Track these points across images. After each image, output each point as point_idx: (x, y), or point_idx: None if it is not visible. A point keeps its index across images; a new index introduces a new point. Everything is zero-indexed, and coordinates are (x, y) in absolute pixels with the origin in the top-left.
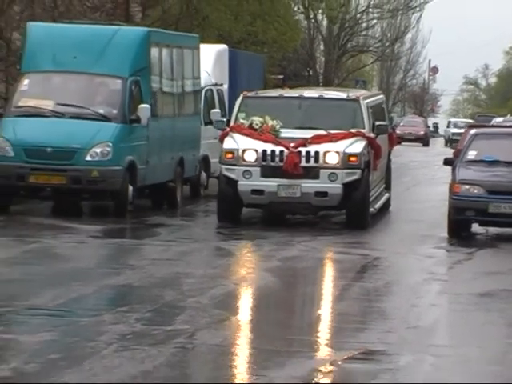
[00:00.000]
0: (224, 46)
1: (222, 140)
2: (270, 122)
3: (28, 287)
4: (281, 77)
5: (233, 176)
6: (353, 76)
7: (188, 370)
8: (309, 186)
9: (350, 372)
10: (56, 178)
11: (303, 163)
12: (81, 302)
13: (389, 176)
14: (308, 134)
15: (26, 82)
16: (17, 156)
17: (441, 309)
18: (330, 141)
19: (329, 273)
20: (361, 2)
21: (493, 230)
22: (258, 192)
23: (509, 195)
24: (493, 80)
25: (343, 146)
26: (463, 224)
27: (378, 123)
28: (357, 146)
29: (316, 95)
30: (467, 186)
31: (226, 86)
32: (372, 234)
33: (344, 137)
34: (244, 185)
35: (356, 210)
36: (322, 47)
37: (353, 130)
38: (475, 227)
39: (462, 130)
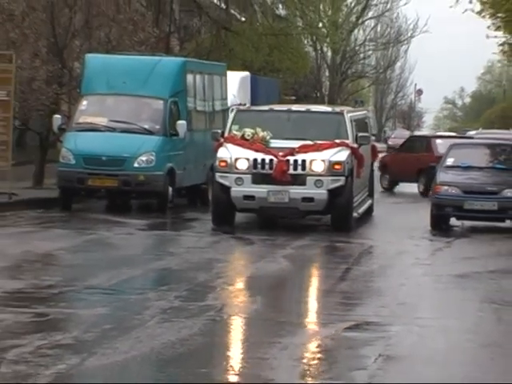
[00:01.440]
0: (247, 73)
1: (216, 150)
2: (261, 133)
3: (87, 270)
4: (293, 98)
5: (226, 183)
6: (352, 97)
7: (217, 338)
8: (296, 191)
9: (350, 339)
10: (109, 181)
11: (291, 171)
12: (130, 282)
13: (372, 184)
14: (296, 144)
15: (84, 102)
16: (77, 163)
17: (425, 288)
18: (316, 150)
19: (332, 258)
20: (359, 36)
21: (467, 223)
22: (249, 197)
23: (481, 194)
24: (467, 100)
25: (328, 154)
26: (443, 218)
27: (360, 134)
28: (341, 155)
29: (303, 109)
30: (446, 187)
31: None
32: (367, 227)
33: (329, 146)
34: (236, 191)
35: (340, 215)
36: (327, 73)
37: (337, 141)
38: (453, 221)
39: None
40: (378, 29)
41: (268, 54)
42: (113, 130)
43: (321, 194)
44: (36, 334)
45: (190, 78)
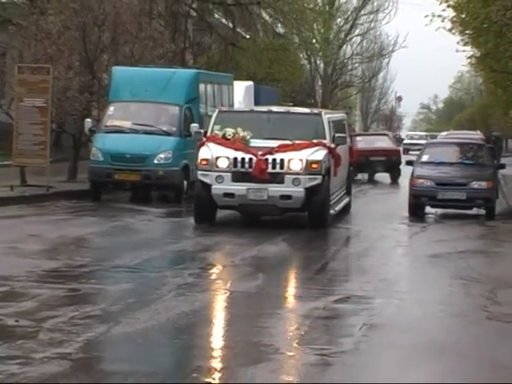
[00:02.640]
0: (251, 83)
1: (199, 149)
2: (242, 133)
3: (113, 252)
4: (291, 104)
5: (207, 181)
6: (342, 103)
7: (224, 309)
8: (275, 189)
9: (338, 310)
10: (133, 176)
11: (270, 169)
12: (150, 262)
13: (349, 183)
14: (275, 143)
15: (111, 108)
16: (105, 160)
17: (403, 266)
18: (294, 149)
19: (324, 241)
20: (347, 51)
21: (440, 211)
22: (229, 195)
23: (451, 186)
24: (441, 105)
25: (306, 154)
26: (419, 207)
27: (337, 135)
28: (318, 155)
29: (283, 110)
30: (422, 180)
31: None
32: (352, 215)
33: (307, 146)
34: (217, 188)
35: (317, 212)
36: (319, 83)
37: (315, 141)
38: (428, 209)
39: (417, 141)
40: (364, 44)
41: (269, 66)
42: (136, 131)
43: (298, 192)
44: (69, 307)
45: (201, 86)
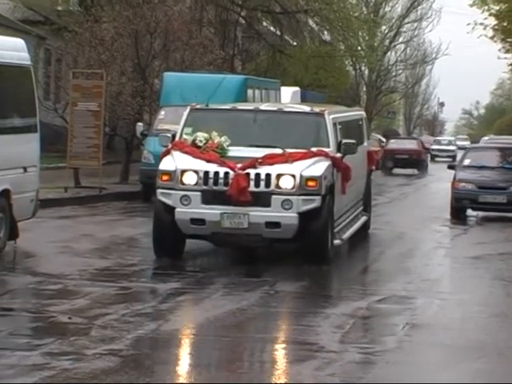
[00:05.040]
0: (297, 88)
1: (161, 159)
2: (217, 139)
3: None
4: None
5: (169, 202)
6: (386, 109)
7: (271, 308)
8: (258, 214)
9: (382, 309)
10: None
11: (252, 188)
12: (198, 261)
13: (368, 197)
14: (261, 152)
15: (162, 112)
16: (156, 163)
17: (445, 267)
18: (286, 161)
19: (368, 242)
20: (391, 57)
21: (481, 213)
22: (198, 221)
23: (492, 189)
24: (482, 111)
25: (300, 167)
26: (461, 210)
27: (344, 141)
28: (317, 168)
29: (274, 108)
30: (464, 183)
31: None
32: (396, 216)
33: (302, 157)
34: (182, 212)
35: (315, 244)
36: (364, 89)
37: (314, 149)
38: (469, 212)
39: (445, 147)
40: (407, 51)
41: (315, 73)
42: None
43: (289, 217)
44: (120, 304)
45: (250, 92)
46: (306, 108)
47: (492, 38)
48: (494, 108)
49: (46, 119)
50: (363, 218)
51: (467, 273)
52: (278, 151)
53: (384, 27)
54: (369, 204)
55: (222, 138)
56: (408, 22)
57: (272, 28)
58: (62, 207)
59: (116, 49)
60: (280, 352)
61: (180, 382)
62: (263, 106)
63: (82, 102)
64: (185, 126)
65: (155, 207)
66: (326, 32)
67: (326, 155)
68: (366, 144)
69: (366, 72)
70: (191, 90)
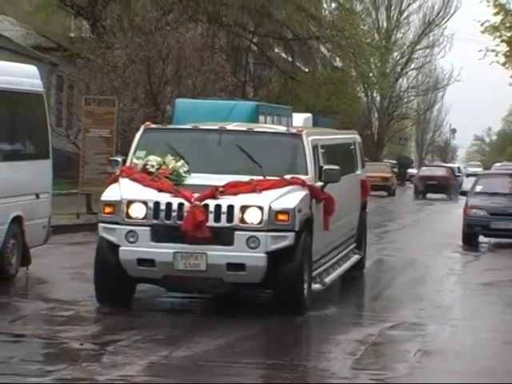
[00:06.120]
0: (309, 115)
1: (107, 187)
2: (172, 164)
3: None
4: None
5: (113, 239)
6: (397, 135)
7: (282, 335)
8: (218, 254)
9: (393, 336)
10: None
11: (211, 222)
12: None
13: (362, 233)
14: (223, 180)
15: None
16: None
17: (457, 293)
18: (252, 190)
19: (380, 269)
20: (403, 84)
21: (493, 240)
22: (146, 262)
23: (504, 216)
24: (494, 137)
25: (269, 198)
26: (473, 236)
27: (325, 167)
28: (290, 199)
29: (243, 128)
30: (475, 210)
31: None
32: (408, 242)
33: (273, 185)
34: (127, 251)
35: (286, 290)
36: (376, 115)
37: (287, 176)
38: (481, 238)
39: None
40: (419, 78)
41: (327, 99)
42: None
43: (256, 258)
44: (132, 331)
45: (261, 118)
46: (280, 128)
47: (504, 64)
48: (506, 134)
49: (59, 145)
50: (354, 257)
51: (479, 299)
52: (243, 179)
53: (396, 54)
54: (363, 241)
55: (179, 163)
56: (420, 49)
57: (284, 54)
58: (75, 233)
59: (128, 75)
60: (292, 378)
61: None
62: (230, 126)
63: (94, 129)
64: (137, 148)
65: (97, 245)
66: (337, 58)
67: (303, 183)
68: (359, 172)
69: (378, 98)
70: (203, 116)
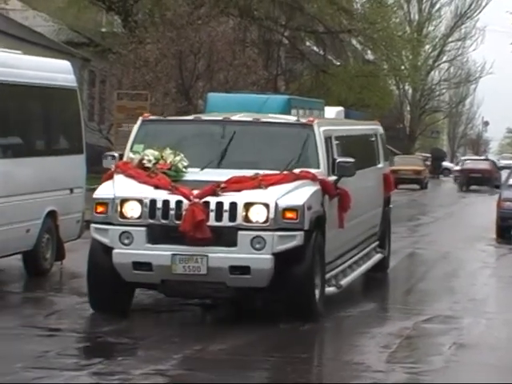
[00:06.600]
0: (341, 108)
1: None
2: (170, 158)
3: None
4: None
5: (105, 240)
6: (429, 128)
7: (320, 330)
8: (220, 257)
9: (428, 329)
10: None
11: (212, 222)
12: None
13: (385, 230)
14: (225, 175)
15: None
16: None
17: (491, 287)
18: (257, 186)
19: (413, 262)
20: (435, 77)
21: None
22: (142, 266)
23: None
24: None
25: (276, 194)
26: (506, 229)
27: (339, 160)
28: (298, 195)
29: (249, 119)
30: (509, 203)
31: None
32: (441, 236)
33: (280, 180)
34: (121, 254)
35: (296, 295)
36: (408, 108)
37: (296, 171)
38: None
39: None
40: (451, 70)
41: (359, 92)
42: None
43: (262, 260)
44: (166, 325)
45: (293, 112)
46: (290, 118)
47: None
48: None
49: (91, 140)
50: (377, 257)
51: None
52: (247, 173)
53: (427, 46)
54: (386, 238)
55: (177, 157)
56: (452, 41)
57: (315, 48)
58: None
59: (160, 70)
60: (327, 372)
61: None
62: (235, 117)
63: (126, 123)
64: (134, 142)
65: (90, 247)
66: (369, 51)
67: (313, 178)
68: (381, 165)
69: (410, 91)
70: (235, 110)
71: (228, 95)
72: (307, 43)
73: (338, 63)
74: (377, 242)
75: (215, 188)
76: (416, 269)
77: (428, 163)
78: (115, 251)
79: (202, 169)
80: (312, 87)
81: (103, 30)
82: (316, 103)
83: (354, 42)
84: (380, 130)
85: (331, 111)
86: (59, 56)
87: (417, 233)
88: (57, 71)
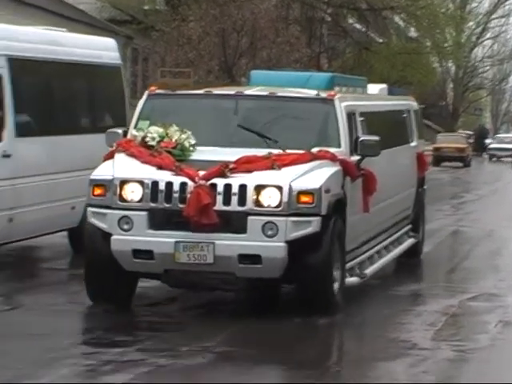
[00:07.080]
0: (384, 85)
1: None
2: (176, 136)
3: None
4: (423, 106)
5: (103, 226)
6: (473, 105)
7: (367, 307)
8: (229, 244)
9: (473, 307)
10: None
11: (219, 206)
12: None
13: (419, 212)
14: (236, 155)
15: None
16: None
17: None
18: (270, 167)
19: (458, 240)
20: (478, 54)
21: None
22: (143, 254)
23: None
24: None
25: (290, 176)
26: None
27: (362, 138)
28: (315, 177)
29: (264, 93)
30: None
31: None
32: (485, 213)
33: (295, 160)
34: (121, 241)
35: (311, 285)
36: (451, 85)
37: (314, 150)
38: None
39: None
40: (495, 47)
41: (402, 70)
42: None
43: (274, 248)
44: (212, 305)
45: (337, 89)
46: (309, 92)
47: None
48: None
49: None
50: (408, 241)
51: None
52: (259, 153)
53: (471, 23)
54: (420, 222)
55: (184, 135)
56: (495, 18)
57: (358, 25)
58: None
59: (203, 47)
60: (373, 349)
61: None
62: (249, 91)
63: None
64: (139, 118)
65: (87, 232)
66: (412, 29)
67: (332, 158)
68: (414, 143)
69: (453, 68)
70: (278, 87)
71: (271, 72)
72: (350, 20)
73: (381, 40)
74: (409, 226)
75: (223, 169)
76: (459, 247)
77: (471, 141)
78: (114, 237)
79: (211, 147)
80: (355, 65)
81: (146, 7)
82: (359, 81)
83: (396, 19)
84: (414, 105)
85: (374, 88)
86: (102, 33)
87: (461, 210)
88: (102, 49)
